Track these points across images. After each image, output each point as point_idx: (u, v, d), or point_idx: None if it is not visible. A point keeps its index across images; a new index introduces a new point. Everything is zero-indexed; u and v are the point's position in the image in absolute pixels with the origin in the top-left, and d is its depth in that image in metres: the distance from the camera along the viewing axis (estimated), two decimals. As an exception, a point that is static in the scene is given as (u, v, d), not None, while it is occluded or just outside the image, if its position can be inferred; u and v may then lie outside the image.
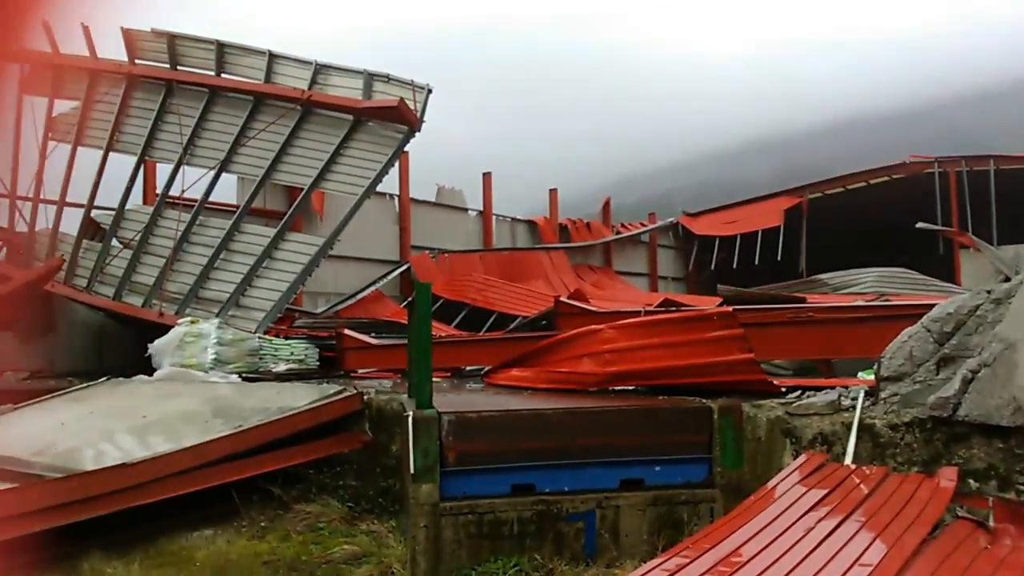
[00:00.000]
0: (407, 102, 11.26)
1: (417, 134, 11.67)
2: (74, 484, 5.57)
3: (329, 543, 5.83)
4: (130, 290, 11.85)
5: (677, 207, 30.93)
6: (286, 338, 11.44)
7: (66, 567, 5.42)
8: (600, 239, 26.72)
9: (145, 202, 13.42)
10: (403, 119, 11.39)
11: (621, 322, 7.17)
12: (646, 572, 3.69)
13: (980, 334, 5.19)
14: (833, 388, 6.11)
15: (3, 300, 10.04)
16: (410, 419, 5.33)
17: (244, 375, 9.74)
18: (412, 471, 5.25)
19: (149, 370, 9.94)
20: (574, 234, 25.94)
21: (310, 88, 11.54)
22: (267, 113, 11.82)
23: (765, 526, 4.19)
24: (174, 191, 12.00)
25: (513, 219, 24.70)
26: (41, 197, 12.65)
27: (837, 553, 3.80)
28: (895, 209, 24.74)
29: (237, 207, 12.40)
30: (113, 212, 12.23)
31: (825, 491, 4.59)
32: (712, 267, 28.22)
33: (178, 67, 12.06)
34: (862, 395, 5.56)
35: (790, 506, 4.43)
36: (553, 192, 25.85)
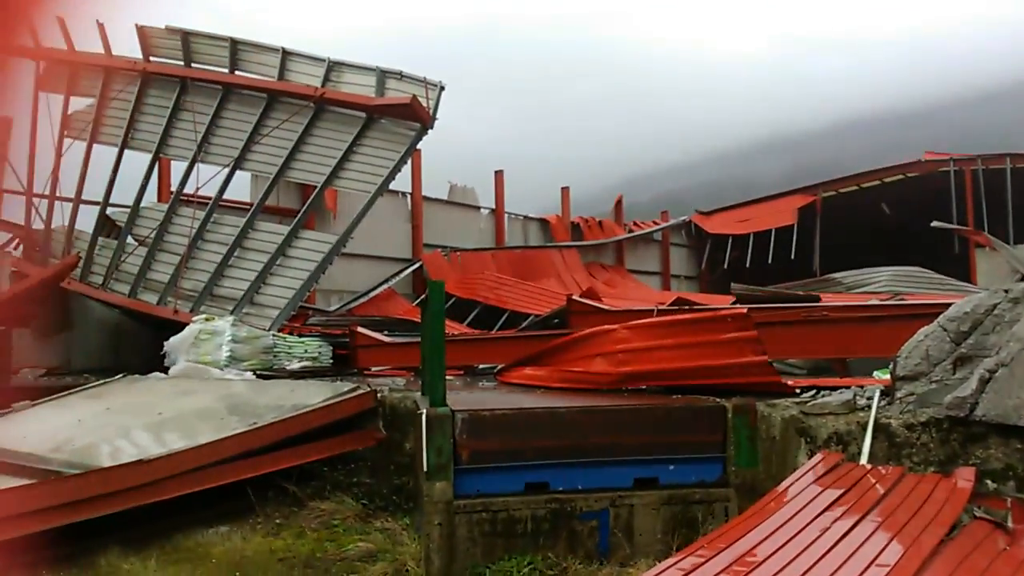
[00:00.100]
0: (420, 99, 11.27)
1: (429, 131, 11.69)
2: (91, 481, 5.61)
3: (344, 540, 5.85)
4: (145, 287, 11.92)
5: (690, 206, 30.82)
6: (300, 336, 11.49)
7: (83, 563, 5.46)
8: (612, 237, 26.67)
9: (160, 199, 13.52)
10: (416, 116, 11.41)
11: (634, 322, 7.15)
12: (661, 571, 3.68)
13: (997, 333, 5.15)
14: (848, 387, 6.08)
15: (20, 297, 10.12)
16: (424, 417, 5.34)
17: (258, 372, 9.79)
18: (426, 469, 5.26)
19: (165, 367, 10.00)
20: (586, 232, 25.90)
21: (323, 85, 11.57)
22: (280, 110, 11.86)
23: (780, 526, 4.17)
24: (188, 188, 12.07)
25: (525, 217, 24.69)
26: (57, 194, 12.76)
27: (853, 553, 3.78)
28: (910, 208, 24.57)
29: (251, 205, 12.46)
30: (128, 209, 12.31)
31: (841, 491, 4.57)
32: (725, 266, 28.10)
33: (192, 64, 12.12)
34: (878, 394, 5.53)
35: (805, 506, 4.41)
36: (565, 190, 25.82)
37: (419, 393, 6.83)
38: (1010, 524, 4.41)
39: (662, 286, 27.64)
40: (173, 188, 12.71)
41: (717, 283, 27.62)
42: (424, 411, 5.39)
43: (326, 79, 11.62)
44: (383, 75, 11.52)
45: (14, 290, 10.36)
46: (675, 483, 5.53)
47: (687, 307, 10.60)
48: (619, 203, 28.50)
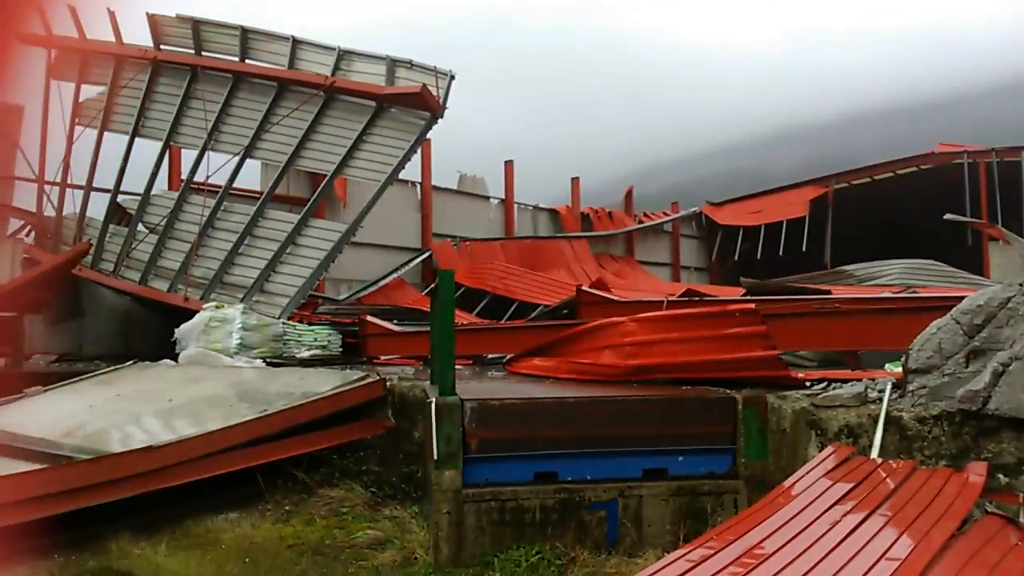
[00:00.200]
0: (430, 88, 11.24)
1: (440, 120, 11.66)
2: (102, 466, 5.64)
3: (353, 528, 5.87)
4: (156, 275, 11.97)
5: (700, 197, 30.71)
6: (309, 324, 11.52)
7: (94, 547, 5.50)
8: (622, 228, 26.59)
9: (170, 187, 13.56)
10: (426, 105, 11.37)
11: (642, 315, 7.13)
12: (670, 562, 3.68)
13: (1011, 327, 5.11)
14: (860, 380, 6.05)
15: (31, 284, 10.17)
16: (433, 406, 5.34)
17: (268, 360, 9.82)
18: (435, 457, 5.27)
19: (175, 354, 10.05)
20: (596, 223, 25.83)
21: (333, 74, 11.54)
22: (291, 99, 11.85)
23: (790, 519, 4.16)
24: (199, 177, 12.09)
25: (535, 207, 24.64)
26: (68, 182, 12.81)
27: (863, 547, 3.76)
28: (923, 200, 24.38)
29: (261, 193, 12.47)
30: (139, 197, 12.35)
31: (851, 484, 4.55)
32: (736, 257, 28.00)
33: (202, 53, 12.12)
34: (889, 387, 5.50)
35: (815, 499, 4.40)
36: (575, 181, 25.75)
37: (428, 382, 6.84)
38: (1022, 519, 4.38)
39: (672, 277, 27.57)
40: (184, 176, 12.73)
41: (728, 275, 27.52)
42: (433, 400, 5.39)
43: (336, 68, 11.60)
44: (393, 64, 11.48)
45: (26, 277, 10.41)
46: (684, 474, 5.52)
47: (697, 299, 10.56)
48: (629, 194, 28.40)
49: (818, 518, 4.13)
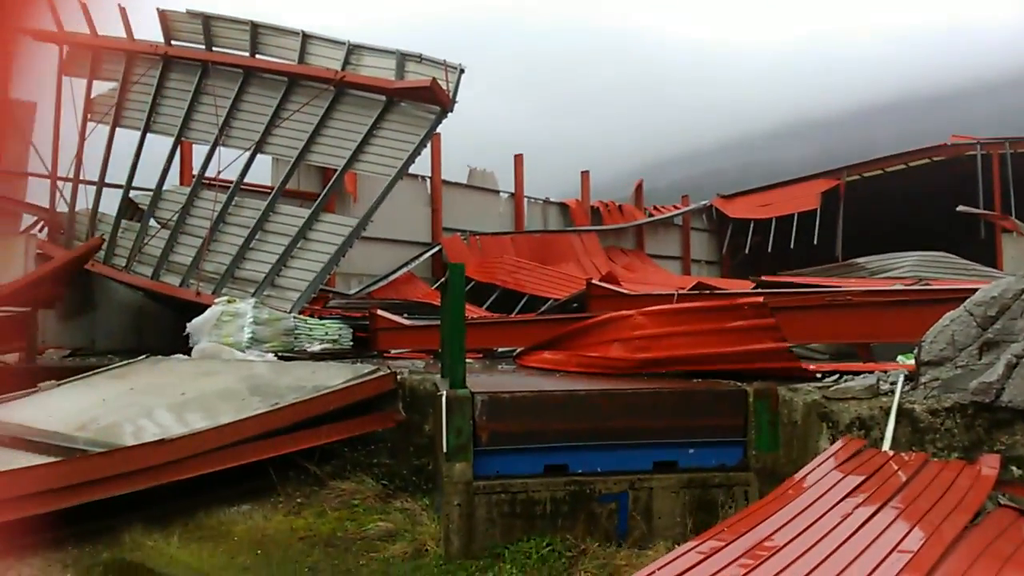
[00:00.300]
0: (439, 82, 11.24)
1: (449, 114, 11.66)
2: (115, 459, 5.69)
3: (364, 520, 5.90)
4: (168, 270, 12.04)
5: (712, 190, 30.51)
6: (320, 318, 11.56)
7: (108, 539, 5.55)
8: (632, 222, 26.52)
9: (182, 183, 13.63)
10: (435, 99, 11.37)
11: (651, 308, 7.12)
12: (681, 554, 3.67)
13: (1026, 319, 5.06)
14: (871, 372, 6.02)
15: (45, 278, 10.25)
16: (444, 398, 5.36)
17: (280, 354, 9.87)
18: (445, 450, 5.28)
19: (187, 349, 10.11)
20: (606, 217, 25.77)
21: (343, 69, 11.57)
22: (301, 94, 11.88)
23: (801, 511, 4.14)
24: (210, 172, 12.14)
25: (545, 201, 24.61)
26: (81, 178, 12.89)
27: (875, 540, 3.75)
28: (935, 192, 24.19)
29: (272, 188, 12.51)
30: (151, 193, 12.41)
31: (863, 477, 4.53)
32: (747, 251, 27.86)
33: (213, 48, 12.16)
34: (901, 379, 5.46)
35: (827, 491, 4.38)
36: (585, 174, 25.68)
37: (438, 375, 6.85)
38: (1035, 511, 4.35)
39: (682, 271, 27.48)
40: (195, 171, 12.79)
41: (739, 268, 27.42)
42: (444, 393, 5.40)
43: (346, 62, 11.62)
44: (403, 58, 11.49)
45: (39, 272, 10.48)
46: (695, 467, 5.51)
47: (707, 292, 10.53)
48: (639, 187, 28.32)
49: (829, 511, 4.12)
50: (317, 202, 12.01)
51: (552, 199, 24.98)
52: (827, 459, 4.86)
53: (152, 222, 12.29)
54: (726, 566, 3.54)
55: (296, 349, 10.28)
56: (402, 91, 11.46)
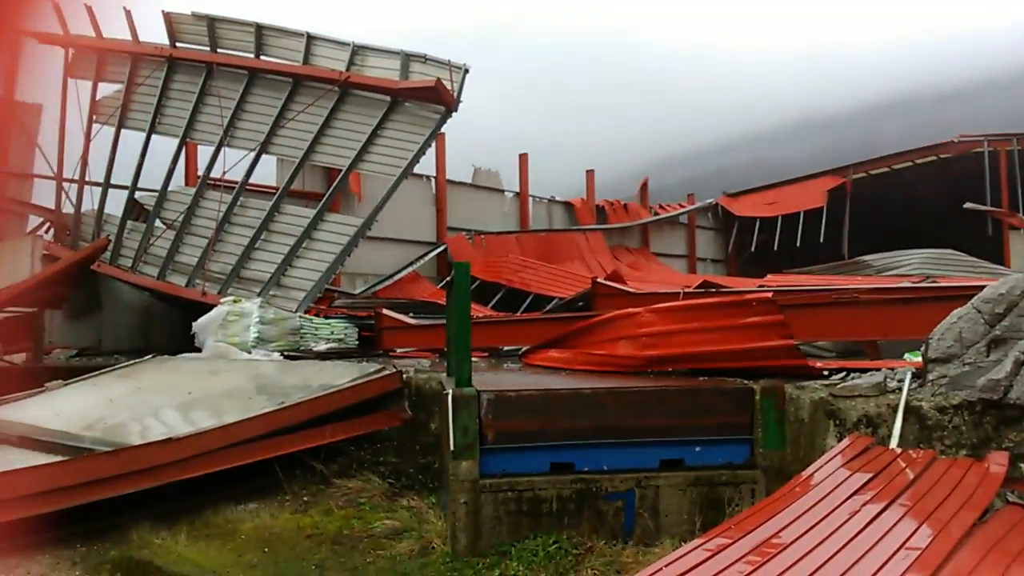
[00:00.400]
0: (444, 82, 11.24)
1: (454, 114, 11.66)
2: (122, 458, 5.70)
3: (370, 518, 5.91)
4: (174, 270, 12.07)
5: (717, 188, 30.47)
6: (326, 318, 11.58)
7: (116, 537, 5.58)
8: (638, 220, 26.49)
9: (187, 184, 13.67)
10: (440, 99, 11.38)
11: (658, 306, 7.11)
12: (688, 551, 3.67)
13: (1034, 315, 5.04)
14: (879, 370, 5.99)
15: (51, 279, 10.29)
16: (450, 397, 5.36)
17: (285, 353, 9.89)
18: (452, 448, 5.28)
19: (193, 348, 10.13)
20: (611, 215, 25.75)
21: (347, 69, 11.58)
22: (305, 94, 11.90)
23: (808, 509, 4.13)
24: (215, 173, 12.17)
25: (550, 200, 24.60)
26: (87, 179, 12.94)
27: (882, 537, 3.73)
28: (942, 189, 24.11)
29: (277, 188, 12.54)
30: (156, 193, 12.45)
31: (870, 475, 4.51)
32: (753, 249, 27.81)
33: (218, 50, 12.19)
34: (909, 377, 5.45)
35: (834, 489, 4.36)
36: (590, 173, 25.66)
37: (444, 374, 6.86)
38: (1044, 508, 4.33)
39: (688, 269, 27.44)
40: (200, 172, 12.83)
41: (744, 266, 27.37)
42: (450, 391, 5.40)
43: (350, 63, 11.63)
44: (407, 58, 11.50)
45: (45, 273, 10.53)
46: (702, 464, 5.50)
47: (713, 290, 10.51)
48: (645, 186, 28.28)
49: (837, 508, 4.10)
50: (322, 202, 12.03)
51: (557, 198, 24.97)
52: (834, 457, 4.84)
53: (158, 223, 12.33)
54: (733, 563, 3.53)
55: (302, 348, 10.30)
56: (407, 91, 11.47)
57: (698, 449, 5.53)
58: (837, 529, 3.86)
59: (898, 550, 3.59)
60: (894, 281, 12.95)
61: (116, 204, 12.79)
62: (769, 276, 14.37)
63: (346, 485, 6.47)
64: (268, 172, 14.29)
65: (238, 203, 11.97)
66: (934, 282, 10.71)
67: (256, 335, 9.95)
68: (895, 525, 3.87)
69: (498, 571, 4.95)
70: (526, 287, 17.85)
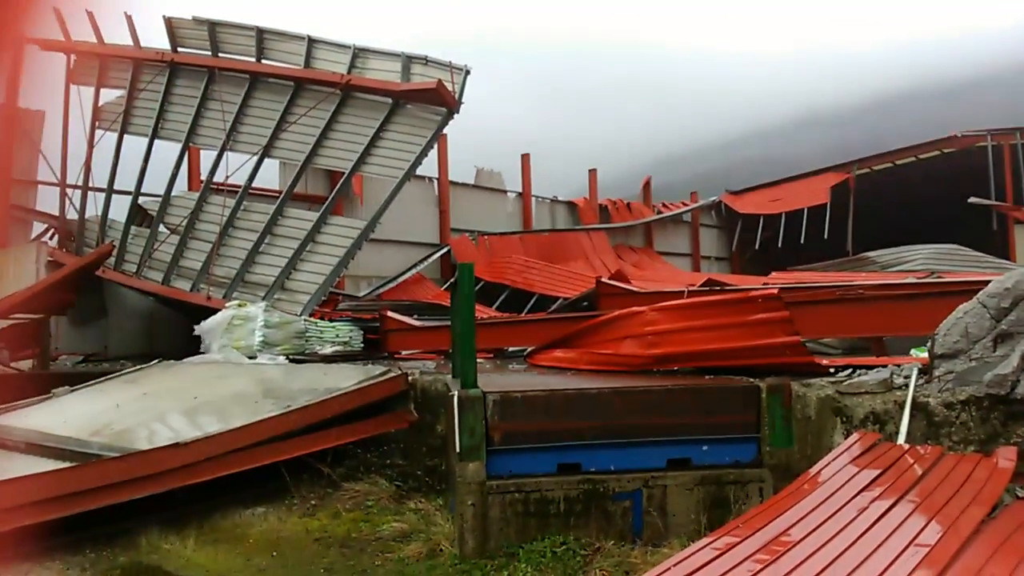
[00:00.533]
0: (445, 84, 11.24)
1: (456, 115, 11.66)
2: (130, 463, 5.72)
3: (378, 521, 5.91)
4: (178, 275, 12.10)
5: (720, 186, 30.42)
6: (331, 321, 11.59)
7: (125, 542, 5.59)
8: (641, 219, 26.47)
9: (190, 188, 13.69)
10: (441, 101, 11.38)
11: (663, 304, 7.10)
12: (696, 550, 3.67)
13: (1040, 310, 5.02)
14: (885, 366, 5.98)
15: (56, 286, 10.32)
16: (456, 398, 5.36)
17: (291, 357, 9.90)
18: (458, 450, 5.28)
19: (198, 353, 10.15)
20: (614, 215, 25.74)
21: (349, 72, 11.59)
22: (307, 98, 11.91)
23: (816, 506, 4.13)
24: (218, 177, 12.19)
25: (553, 200, 24.59)
26: (90, 185, 12.97)
27: (891, 534, 3.73)
28: (947, 184, 24.03)
29: (280, 192, 12.55)
30: (160, 199, 12.47)
31: (878, 471, 4.51)
32: (757, 246, 27.77)
33: (219, 54, 12.20)
34: (915, 373, 5.43)
35: (842, 486, 4.36)
36: (593, 172, 25.65)
37: (450, 376, 6.85)
38: (1054, 503, 4.31)
39: (692, 267, 27.41)
40: (203, 177, 12.85)
41: (749, 264, 27.34)
42: (456, 393, 5.40)
43: (352, 66, 11.64)
44: (408, 60, 11.50)
45: (51, 279, 10.55)
46: (709, 463, 5.50)
47: (718, 288, 10.49)
48: (647, 185, 28.25)
49: (845, 505, 4.10)
50: (325, 205, 12.04)
51: (560, 198, 24.96)
52: (842, 454, 4.84)
53: (162, 228, 12.35)
54: (741, 562, 3.53)
55: (307, 352, 10.31)
56: (408, 93, 11.48)
57: (705, 448, 5.52)
58: (845, 526, 3.86)
59: (907, 547, 3.58)
60: (899, 277, 12.93)
61: (120, 210, 12.83)
62: (773, 273, 14.37)
63: (353, 488, 6.48)
64: (271, 176, 14.33)
65: (241, 207, 11.99)
66: (939, 278, 10.69)
67: (261, 339, 9.97)
68: (904, 522, 3.86)
69: (506, 573, 4.95)
70: (530, 288, 17.84)
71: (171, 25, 12.29)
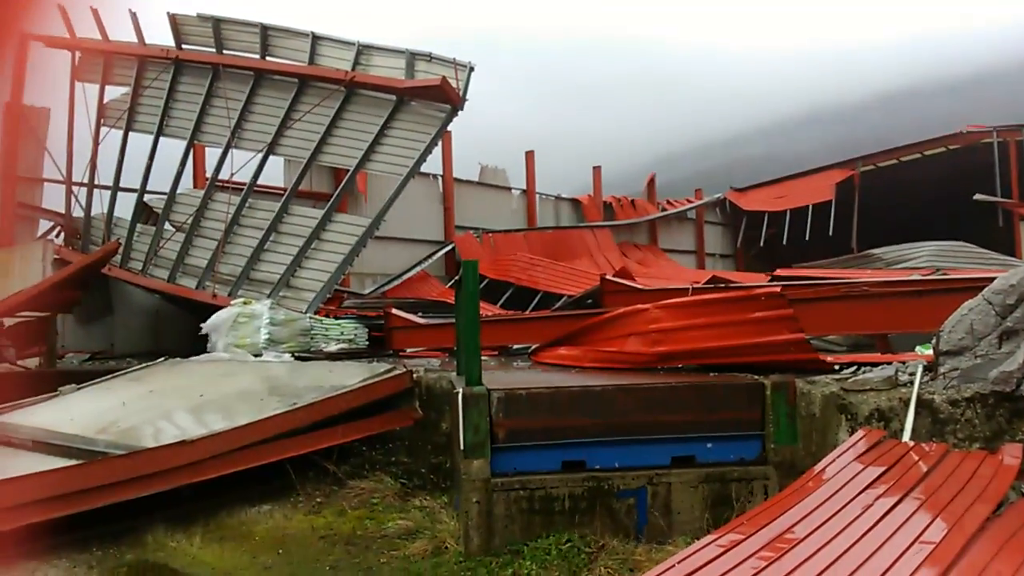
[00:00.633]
0: (449, 80, 11.23)
1: (460, 113, 11.65)
2: (137, 461, 5.74)
3: (383, 518, 5.93)
4: (184, 272, 12.12)
5: (725, 183, 30.40)
6: (336, 318, 11.60)
7: (131, 540, 5.61)
8: (645, 216, 26.45)
9: (195, 186, 13.72)
10: (446, 98, 11.37)
11: (667, 301, 7.09)
12: (701, 547, 3.67)
13: (1046, 307, 5.01)
14: (890, 363, 5.98)
15: (62, 283, 10.35)
16: (460, 396, 5.37)
17: (296, 354, 9.92)
18: (463, 447, 5.30)
19: (204, 351, 10.17)
20: (619, 212, 25.73)
21: (353, 69, 11.58)
22: (312, 95, 11.91)
23: (821, 504, 4.13)
24: (223, 175, 12.20)
25: (557, 197, 24.58)
26: (95, 183, 13.01)
27: (896, 531, 3.73)
28: (952, 181, 23.96)
29: (285, 189, 12.57)
30: (165, 196, 12.50)
31: (883, 468, 4.51)
32: (761, 243, 27.74)
33: (224, 51, 12.21)
34: (920, 370, 5.43)
35: (847, 484, 4.36)
36: (597, 170, 25.64)
37: (454, 373, 6.87)
38: (1059, 501, 4.31)
39: (697, 265, 27.41)
40: (208, 174, 12.86)
41: (753, 261, 27.31)
42: (460, 390, 5.41)
43: (356, 63, 11.63)
44: (412, 57, 11.49)
45: (56, 277, 10.59)
46: (713, 461, 5.50)
47: (722, 285, 10.49)
48: (652, 181, 28.22)
49: (850, 502, 4.10)
50: (330, 202, 12.04)
51: (564, 195, 24.95)
52: (846, 451, 4.84)
53: (167, 225, 12.38)
54: (746, 559, 3.53)
55: (312, 349, 10.33)
56: (412, 90, 11.47)
57: (709, 445, 5.53)
58: (850, 523, 3.86)
59: (912, 544, 3.59)
60: (904, 274, 12.91)
61: (125, 207, 12.85)
62: (778, 270, 14.34)
63: (359, 486, 6.50)
64: (275, 173, 14.35)
65: (247, 204, 12.00)
66: (944, 274, 10.67)
67: (267, 336, 9.98)
68: (908, 519, 3.87)
69: (511, 570, 4.96)
70: (535, 285, 17.85)
71: (175, 22, 12.30)
